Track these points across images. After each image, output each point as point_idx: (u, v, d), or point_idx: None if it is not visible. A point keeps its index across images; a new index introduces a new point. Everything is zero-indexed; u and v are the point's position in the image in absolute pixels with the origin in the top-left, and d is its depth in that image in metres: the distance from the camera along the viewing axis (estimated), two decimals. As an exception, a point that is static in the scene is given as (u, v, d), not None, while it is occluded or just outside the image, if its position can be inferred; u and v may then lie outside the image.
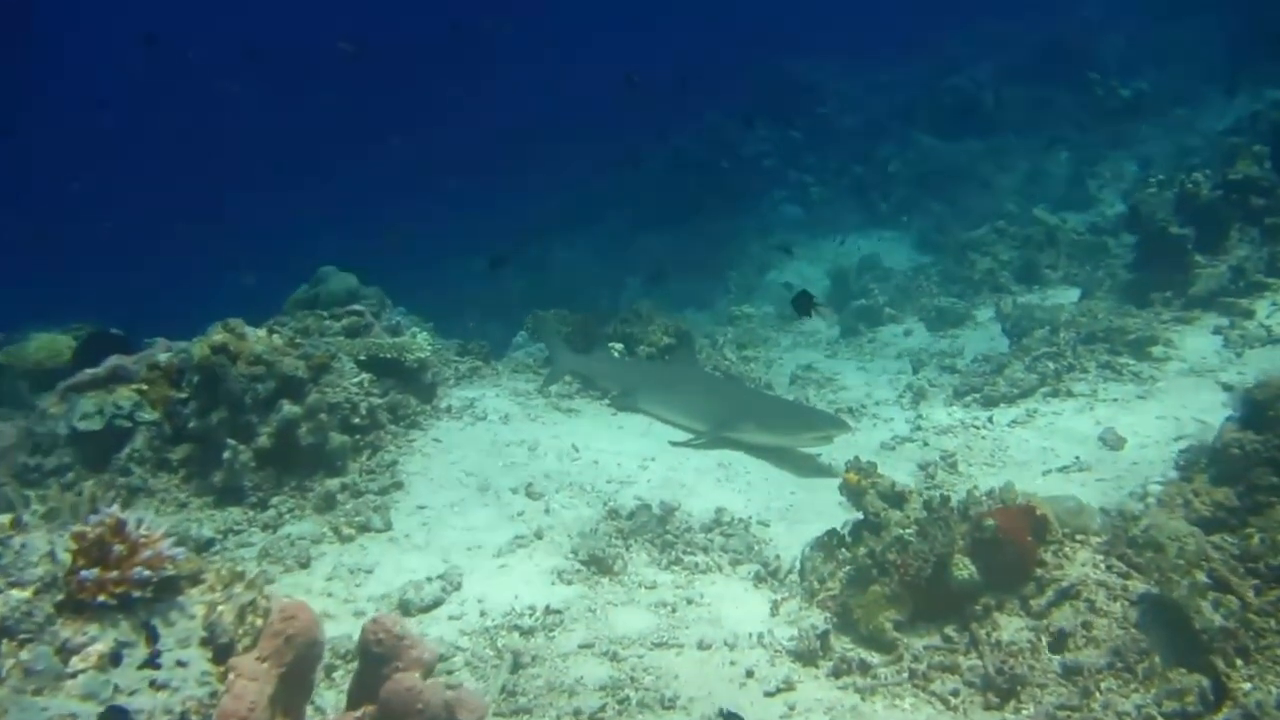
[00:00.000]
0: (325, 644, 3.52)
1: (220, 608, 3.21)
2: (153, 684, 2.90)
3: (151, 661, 2.96)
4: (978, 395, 9.81)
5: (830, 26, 34.61)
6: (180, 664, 3.01)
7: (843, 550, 5.81)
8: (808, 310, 8.02)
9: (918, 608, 5.13)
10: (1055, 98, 23.21)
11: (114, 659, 2.88)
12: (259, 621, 3.28)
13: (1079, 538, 5.06)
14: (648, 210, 26.64)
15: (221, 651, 3.16)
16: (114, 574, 2.97)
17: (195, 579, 3.28)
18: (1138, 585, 4.70)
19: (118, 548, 3.01)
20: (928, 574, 5.03)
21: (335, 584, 6.29)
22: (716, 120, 27.63)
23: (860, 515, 5.98)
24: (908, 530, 5.31)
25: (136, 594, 3.01)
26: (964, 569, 4.92)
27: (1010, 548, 4.88)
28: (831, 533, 6.13)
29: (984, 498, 5.24)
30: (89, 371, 8.12)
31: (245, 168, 34.76)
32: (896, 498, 5.86)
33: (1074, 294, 13.13)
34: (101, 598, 2.93)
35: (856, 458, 6.15)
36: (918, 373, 11.47)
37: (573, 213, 28.62)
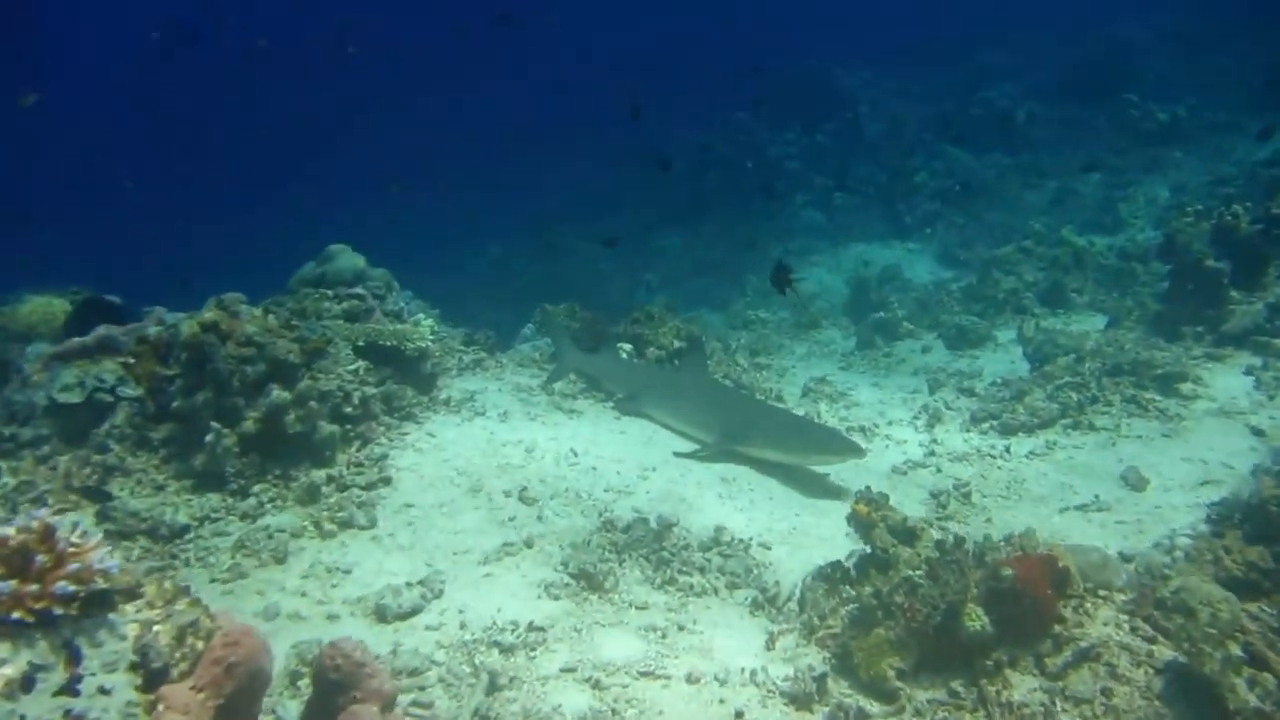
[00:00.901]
0: (272, 673, 3.20)
1: (156, 628, 2.89)
2: (68, 714, 2.59)
3: (70, 688, 2.64)
4: (995, 422, 9.44)
5: (864, 33, 34.15)
6: (103, 691, 2.69)
7: (847, 586, 5.47)
8: (784, 286, 7.41)
9: (923, 656, 4.78)
10: (1088, 117, 22.79)
11: (26, 684, 2.56)
12: (200, 645, 2.97)
13: (1102, 593, 4.71)
14: (667, 207, 26.35)
15: (154, 678, 2.84)
16: (34, 587, 2.65)
17: (132, 594, 2.96)
18: (1164, 652, 4.35)
19: (41, 557, 2.70)
20: (937, 621, 4.69)
21: (310, 583, 5.97)
22: (743, 120, 27.27)
23: (868, 549, 5.65)
24: (917, 571, 4.97)
25: (59, 610, 2.70)
26: (976, 619, 4.58)
27: (1028, 600, 4.53)
28: (836, 565, 5.79)
29: (1002, 543, 4.89)
30: (76, 340, 7.87)
31: (256, 151, 34.74)
32: (908, 534, 5.52)
33: (1100, 321, 12.76)
34: (17, 614, 2.62)
35: (868, 488, 5.81)
36: (934, 393, 11.09)
37: (590, 205, 28.35)
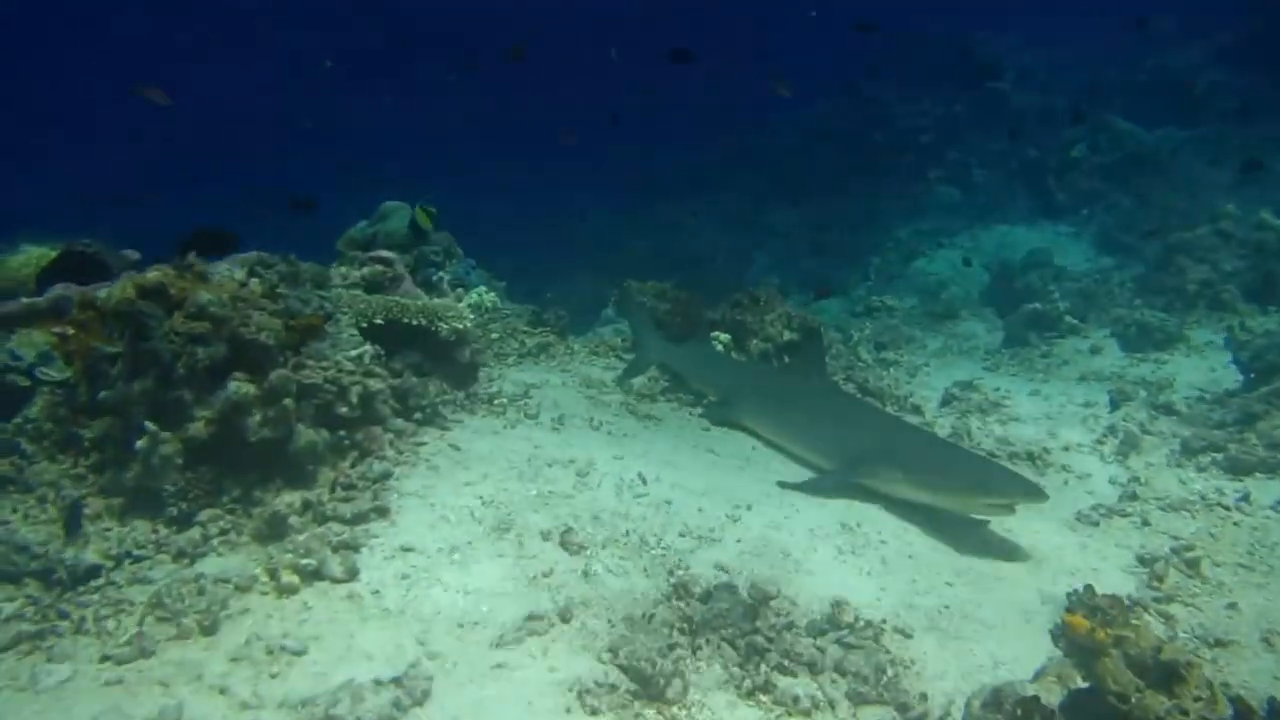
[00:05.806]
0: None
1: None
2: None
3: None
4: (1218, 455, 7.03)
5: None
6: None
7: (1059, 758, 3.30)
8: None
9: None
10: (1282, 87, 19.51)
11: None
12: None
13: None
14: (786, 180, 24.11)
15: None
16: None
17: None
18: None
19: None
20: None
21: (240, 669, 4.09)
22: (871, 87, 24.72)
23: (1086, 684, 3.49)
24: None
25: None
26: None
27: None
28: (1031, 704, 3.63)
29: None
30: (22, 301, 6.22)
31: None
32: (1164, 672, 3.33)
33: (1325, 324, 10.11)
34: None
35: (1090, 587, 3.60)
36: (1119, 408, 8.68)
37: (706, 176, 26.37)
